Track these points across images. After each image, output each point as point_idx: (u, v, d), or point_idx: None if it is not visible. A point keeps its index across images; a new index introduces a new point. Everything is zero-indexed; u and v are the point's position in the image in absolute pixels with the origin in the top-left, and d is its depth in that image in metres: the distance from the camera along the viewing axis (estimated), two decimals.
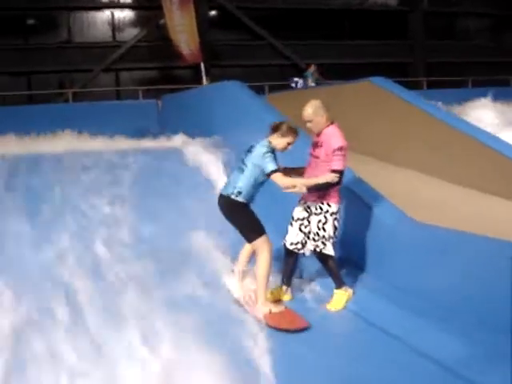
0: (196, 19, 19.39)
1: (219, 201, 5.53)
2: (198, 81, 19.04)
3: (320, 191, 5.40)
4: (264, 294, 5.36)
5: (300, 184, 5.23)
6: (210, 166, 9.57)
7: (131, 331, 4.58)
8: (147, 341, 4.42)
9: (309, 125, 5.48)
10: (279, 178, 5.21)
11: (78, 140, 13.79)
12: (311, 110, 5.43)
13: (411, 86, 22.96)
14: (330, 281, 5.74)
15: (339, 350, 4.89)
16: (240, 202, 5.39)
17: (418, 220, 5.70)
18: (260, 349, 4.54)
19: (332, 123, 5.49)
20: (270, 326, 5.13)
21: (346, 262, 6.38)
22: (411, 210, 6.04)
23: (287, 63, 25.26)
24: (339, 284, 5.62)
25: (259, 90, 19.23)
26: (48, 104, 19.47)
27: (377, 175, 8.29)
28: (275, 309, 5.32)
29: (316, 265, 5.95)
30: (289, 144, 5.38)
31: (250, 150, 5.43)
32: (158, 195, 8.31)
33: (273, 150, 5.34)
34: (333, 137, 5.38)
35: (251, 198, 5.46)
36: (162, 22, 20.55)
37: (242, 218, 5.44)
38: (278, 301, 5.65)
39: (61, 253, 6.48)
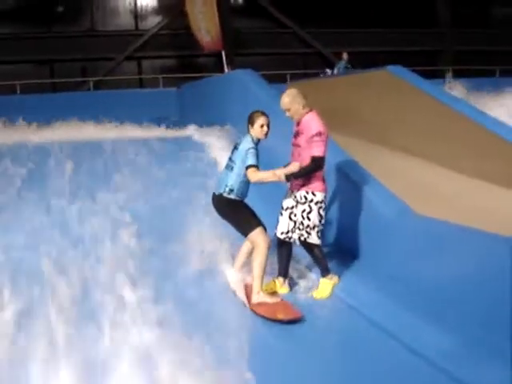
0: (218, 7, 19.23)
1: (213, 200, 5.66)
2: (221, 69, 18.93)
3: (305, 179, 5.44)
4: (260, 285, 5.42)
5: (275, 174, 5.28)
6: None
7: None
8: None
9: (287, 114, 5.52)
10: (250, 174, 5.32)
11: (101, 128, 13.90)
12: (288, 98, 5.47)
13: (438, 74, 22.77)
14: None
15: (328, 341, 4.93)
16: (232, 200, 5.51)
17: (418, 212, 5.55)
18: (252, 341, 4.52)
19: (311, 110, 5.50)
20: (263, 317, 5.17)
21: (342, 250, 6.37)
22: (417, 201, 5.89)
23: (311, 51, 25.00)
24: (325, 272, 5.68)
25: (281, 79, 19.17)
26: (71, 92, 19.65)
27: (388, 165, 8.18)
28: (270, 300, 5.35)
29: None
30: (262, 126, 5.43)
31: (236, 147, 5.56)
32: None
33: (257, 143, 5.46)
34: (311, 123, 5.40)
35: (243, 194, 5.57)
36: (184, 9, 20.42)
37: (236, 214, 5.54)
38: (273, 293, 5.65)
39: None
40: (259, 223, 5.51)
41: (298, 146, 5.50)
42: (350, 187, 6.33)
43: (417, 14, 26.01)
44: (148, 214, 7.47)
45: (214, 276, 5.90)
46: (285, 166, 5.51)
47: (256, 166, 5.31)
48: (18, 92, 19.01)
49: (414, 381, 4.15)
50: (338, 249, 6.43)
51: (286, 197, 5.68)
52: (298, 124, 5.52)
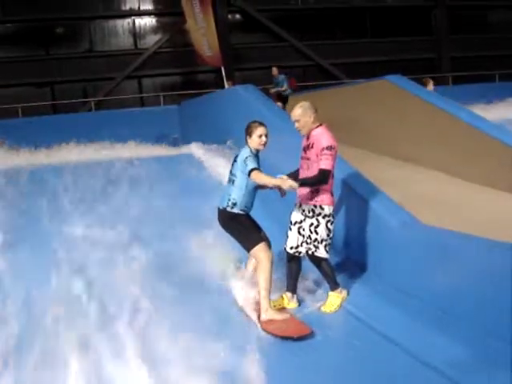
0: (215, 23, 19.33)
1: (218, 215, 5.59)
2: (221, 85, 18.99)
3: (313, 193, 5.42)
4: (267, 302, 5.33)
5: (284, 180, 5.15)
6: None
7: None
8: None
9: (297, 125, 5.49)
10: (256, 175, 5.22)
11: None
12: (300, 110, 5.45)
13: (437, 81, 22.81)
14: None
15: (335, 352, 4.88)
16: (236, 214, 5.46)
17: (422, 222, 5.55)
18: (258, 354, 4.49)
19: (320, 125, 5.50)
20: (272, 334, 5.10)
21: (349, 262, 6.36)
22: (422, 210, 5.92)
23: (309, 64, 25.06)
24: (333, 286, 5.62)
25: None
26: (73, 114, 19.74)
27: (390, 174, 8.18)
28: (279, 317, 5.29)
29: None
30: (260, 136, 5.39)
31: (235, 160, 5.50)
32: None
33: (255, 154, 5.43)
34: (322, 136, 5.38)
35: (247, 206, 5.52)
36: (185, 26, 20.48)
37: (239, 228, 5.48)
38: (282, 309, 5.60)
39: None
40: (262, 238, 5.45)
41: (307, 159, 5.47)
42: (354, 198, 6.32)
43: (414, 22, 26.11)
44: (149, 233, 7.43)
45: (222, 293, 5.86)
46: (291, 174, 5.50)
47: (258, 169, 5.24)
48: (20, 115, 19.06)
49: None
50: (345, 261, 6.41)
51: (294, 211, 5.66)
52: (308, 138, 5.50)
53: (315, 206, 5.46)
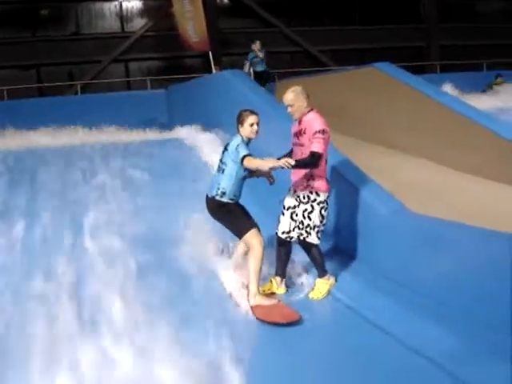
0: (204, 7, 19.13)
1: (206, 203, 5.58)
2: (208, 70, 18.84)
3: (308, 179, 5.43)
4: (256, 287, 5.35)
5: (272, 162, 5.13)
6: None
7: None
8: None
9: (289, 109, 5.49)
10: (248, 161, 5.19)
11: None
12: (292, 94, 5.46)
13: (425, 70, 22.81)
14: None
15: (324, 340, 4.92)
16: (225, 202, 5.45)
17: (413, 210, 5.53)
18: (248, 343, 4.65)
19: (312, 110, 5.51)
20: (259, 319, 5.13)
21: (339, 249, 6.36)
22: (411, 199, 5.93)
23: (298, 50, 24.93)
24: (321, 273, 5.64)
25: None
26: (58, 96, 19.50)
27: (379, 162, 8.16)
28: (267, 302, 5.31)
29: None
30: (252, 125, 5.37)
31: (226, 148, 5.47)
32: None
33: (247, 142, 5.39)
34: (315, 121, 5.40)
35: (236, 195, 5.52)
36: (172, 10, 20.25)
37: (230, 216, 5.49)
38: (271, 294, 5.64)
39: None
40: (253, 224, 5.47)
41: (301, 145, 5.46)
42: (344, 186, 6.30)
43: (402, 10, 26.03)
44: (138, 217, 7.41)
45: (210, 278, 5.86)
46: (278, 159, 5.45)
47: (250, 155, 5.21)
48: (6, 97, 18.82)
49: (413, 380, 4.11)
50: (335, 248, 6.40)
51: (287, 196, 5.66)
52: (300, 123, 5.49)
53: (311, 193, 5.48)
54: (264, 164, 5.19)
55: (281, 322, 5.01)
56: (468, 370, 3.96)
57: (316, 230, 5.48)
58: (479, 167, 8.01)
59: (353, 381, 4.16)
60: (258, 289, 5.37)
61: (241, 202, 5.63)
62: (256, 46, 15.16)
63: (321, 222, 5.50)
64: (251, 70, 15.11)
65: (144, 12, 23.73)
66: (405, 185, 7.01)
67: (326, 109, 11.38)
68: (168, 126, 14.40)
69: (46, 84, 21.61)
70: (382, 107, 10.18)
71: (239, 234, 5.46)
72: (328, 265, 5.77)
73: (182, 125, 12.58)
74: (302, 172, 5.45)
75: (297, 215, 5.54)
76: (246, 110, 5.45)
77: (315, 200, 5.46)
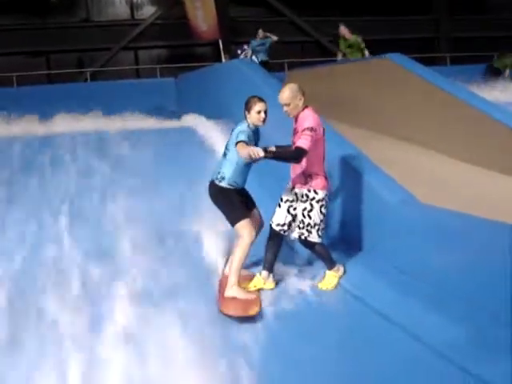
0: None
1: (208, 187, 5.50)
2: (218, 58, 18.81)
3: (306, 177, 5.36)
4: (236, 278, 5.28)
5: (256, 149, 4.83)
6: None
7: None
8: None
9: (285, 108, 5.31)
10: (238, 147, 5.02)
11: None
12: (289, 92, 5.26)
13: (435, 61, 22.67)
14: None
15: (333, 332, 4.85)
16: (223, 187, 5.37)
17: (422, 201, 5.51)
18: (255, 332, 4.69)
19: (306, 107, 5.34)
20: (227, 315, 5.01)
21: (346, 240, 6.33)
22: (420, 190, 5.88)
23: (308, 40, 24.83)
24: (330, 265, 5.60)
25: (279, 68, 19.04)
26: (67, 83, 19.51)
27: (389, 153, 8.12)
28: (242, 296, 5.21)
29: None
30: (259, 112, 5.25)
31: (231, 134, 5.38)
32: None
33: (254, 129, 5.32)
34: (307, 118, 5.24)
35: (237, 182, 5.41)
36: None
37: (225, 202, 5.39)
38: (258, 290, 5.53)
39: None
40: (247, 215, 5.38)
41: (294, 143, 5.29)
42: (353, 176, 6.26)
43: (413, 1, 25.85)
44: (145, 205, 7.46)
45: (209, 274, 5.89)
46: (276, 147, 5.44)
47: (244, 141, 5.03)
48: (15, 84, 18.84)
49: (419, 370, 4.11)
50: (343, 239, 6.39)
51: (285, 191, 5.60)
52: (296, 121, 5.36)
53: (309, 191, 5.39)
54: (239, 151, 5.02)
55: (232, 316, 4.95)
56: (473, 361, 3.97)
57: (316, 228, 5.40)
58: (492, 160, 7.96)
59: (359, 370, 4.17)
60: (237, 281, 5.29)
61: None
62: (260, 34, 15.31)
63: (321, 220, 5.41)
64: (254, 58, 14.75)
65: (154, 0, 23.66)
66: (414, 176, 6.97)
67: (337, 99, 11.45)
68: (177, 114, 14.38)
69: (55, 71, 21.61)
70: (394, 98, 10.11)
71: (232, 221, 5.37)
72: (336, 255, 5.76)
73: (191, 113, 12.56)
74: (300, 169, 5.37)
75: (295, 210, 5.48)
76: (253, 97, 5.34)
77: (314, 198, 5.38)
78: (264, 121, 5.32)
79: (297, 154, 5.11)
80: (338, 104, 11.24)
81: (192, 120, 12.28)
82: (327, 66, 13.84)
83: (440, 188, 6.91)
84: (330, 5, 24.94)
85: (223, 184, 5.35)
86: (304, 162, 5.26)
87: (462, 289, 4.55)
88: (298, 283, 5.67)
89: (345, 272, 5.69)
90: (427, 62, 18.70)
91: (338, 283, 5.60)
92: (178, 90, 17.14)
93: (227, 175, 5.33)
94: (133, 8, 23.58)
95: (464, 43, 24.87)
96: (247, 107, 5.30)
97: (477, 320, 4.29)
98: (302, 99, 5.29)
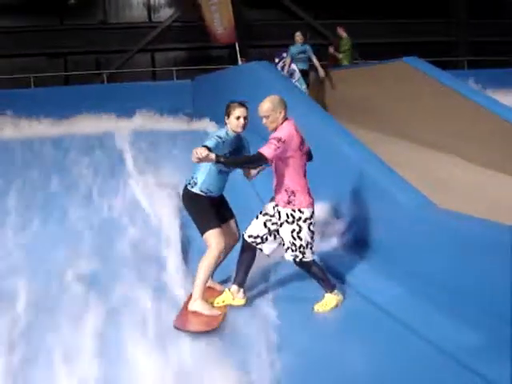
0: None
1: (182, 191, 5.35)
2: (235, 61, 18.82)
3: (289, 195, 5.08)
4: (200, 291, 5.01)
5: (201, 149, 4.50)
6: None
7: None
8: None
9: (264, 121, 5.02)
10: (194, 149, 4.56)
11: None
12: (269, 105, 4.98)
13: (452, 65, 22.54)
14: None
15: (342, 332, 4.84)
16: (195, 193, 5.18)
17: (438, 205, 5.48)
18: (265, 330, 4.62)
19: (286, 119, 5.06)
20: (185, 331, 4.68)
21: (362, 244, 6.24)
22: (437, 194, 5.85)
23: (325, 43, 24.79)
24: (329, 288, 5.28)
25: None
26: (85, 85, 19.62)
27: (404, 157, 8.10)
28: (206, 311, 4.95)
29: None
30: (238, 118, 5.04)
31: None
32: None
33: (234, 136, 5.12)
34: (280, 129, 4.96)
35: (209, 189, 5.20)
36: (198, 1, 20.27)
37: (195, 209, 5.19)
38: (225, 307, 5.19)
39: None
40: (216, 225, 5.12)
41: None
42: (369, 180, 6.24)
43: (431, 4, 25.74)
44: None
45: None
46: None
47: (207, 147, 4.63)
48: (32, 85, 18.98)
49: (433, 374, 4.07)
50: (358, 242, 6.33)
51: (267, 206, 5.28)
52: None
53: (294, 211, 5.08)
54: (201, 154, 4.51)
55: (189, 330, 4.67)
56: (486, 364, 3.93)
57: (309, 246, 5.15)
58: (509, 164, 7.91)
59: (370, 371, 4.14)
60: (202, 294, 5.03)
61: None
62: (298, 39, 13.45)
63: (311, 237, 5.16)
64: (295, 67, 13.11)
65: (171, 2, 23.77)
66: (431, 180, 6.95)
67: (353, 103, 11.41)
68: (194, 116, 14.42)
69: (72, 72, 21.76)
70: (410, 102, 10.09)
71: (201, 230, 5.14)
72: (351, 260, 5.72)
73: (207, 116, 12.58)
74: (283, 186, 5.08)
75: (272, 224, 5.20)
76: (233, 102, 5.13)
77: (300, 218, 5.07)
78: (244, 127, 5.10)
79: (254, 159, 4.89)
80: (354, 106, 11.24)
81: (208, 123, 12.31)
82: (345, 68, 13.83)
83: (457, 192, 6.89)
84: (346, 7, 24.89)
85: (195, 190, 5.16)
86: (285, 178, 5.05)
87: (477, 293, 4.49)
88: (299, 292, 5.54)
89: (358, 278, 5.62)
90: (444, 65, 18.71)
91: (351, 287, 5.54)
92: (194, 92, 17.17)
93: (199, 181, 5.15)
94: (150, 10, 23.67)
95: (482, 47, 24.71)
96: (226, 112, 5.10)
97: (489, 323, 4.25)
98: (283, 112, 5.01)
